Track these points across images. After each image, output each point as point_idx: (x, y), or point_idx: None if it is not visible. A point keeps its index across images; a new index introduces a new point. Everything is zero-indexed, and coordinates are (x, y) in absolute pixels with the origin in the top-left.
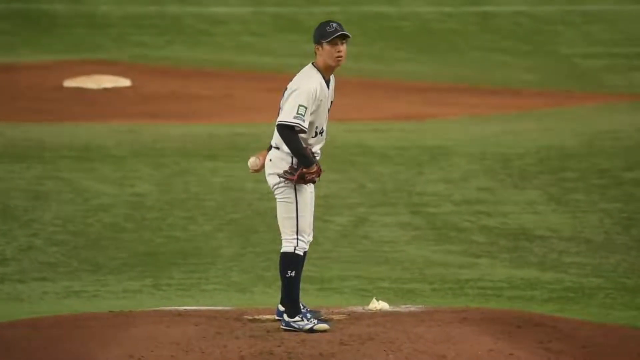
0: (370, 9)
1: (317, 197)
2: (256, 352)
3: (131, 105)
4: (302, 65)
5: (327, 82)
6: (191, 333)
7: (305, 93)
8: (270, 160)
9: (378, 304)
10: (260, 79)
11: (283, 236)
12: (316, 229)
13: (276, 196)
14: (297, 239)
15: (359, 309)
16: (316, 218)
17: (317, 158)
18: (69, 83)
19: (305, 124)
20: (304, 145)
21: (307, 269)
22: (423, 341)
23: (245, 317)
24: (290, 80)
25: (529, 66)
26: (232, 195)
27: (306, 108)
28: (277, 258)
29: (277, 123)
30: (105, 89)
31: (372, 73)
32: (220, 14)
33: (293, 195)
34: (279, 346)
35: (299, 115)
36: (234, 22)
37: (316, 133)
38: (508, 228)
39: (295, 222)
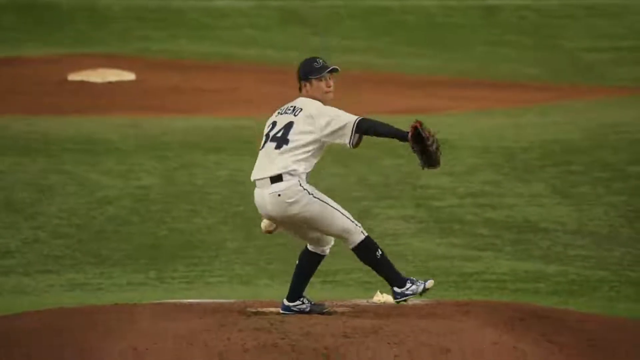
0: (374, 3)
1: (321, 190)
2: (260, 345)
3: (135, 98)
4: (305, 57)
5: None
6: (195, 326)
7: (326, 109)
8: (279, 195)
9: (382, 297)
10: (264, 72)
11: (345, 236)
12: None
13: (306, 215)
14: (355, 224)
15: (363, 301)
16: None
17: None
18: (73, 77)
19: (356, 115)
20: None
21: None
22: (427, 334)
23: (249, 309)
24: (282, 113)
25: (534, 60)
26: (236, 189)
27: (340, 113)
28: (280, 251)
29: (350, 141)
30: (110, 83)
31: (377, 67)
32: (223, 8)
33: (317, 200)
34: (282, 339)
35: (342, 117)
36: (238, 15)
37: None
38: (512, 221)
39: (340, 215)
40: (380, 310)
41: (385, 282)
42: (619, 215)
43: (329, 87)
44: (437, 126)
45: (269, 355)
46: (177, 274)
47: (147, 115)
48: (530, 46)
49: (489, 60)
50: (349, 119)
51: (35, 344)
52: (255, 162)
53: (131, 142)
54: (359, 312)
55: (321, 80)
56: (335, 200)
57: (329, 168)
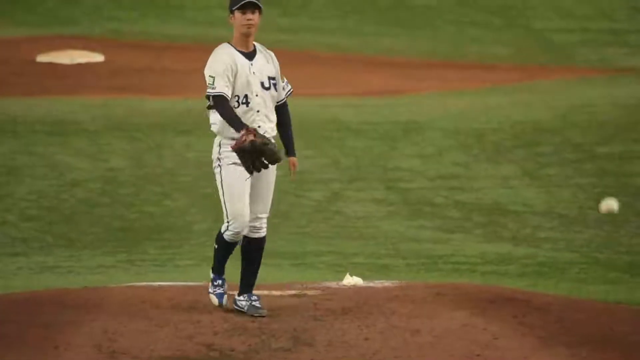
0: None
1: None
2: (229, 328)
3: (105, 79)
4: (276, 41)
5: (247, 54)
6: (165, 308)
7: (210, 63)
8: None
9: (352, 280)
10: None
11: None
12: (289, 205)
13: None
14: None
15: (333, 284)
16: (287, 193)
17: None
18: (41, 58)
19: (220, 90)
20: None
21: (280, 244)
22: (397, 316)
23: None
24: None
25: (503, 40)
26: (206, 170)
27: (214, 77)
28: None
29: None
30: (79, 64)
31: (346, 47)
32: None
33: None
34: (252, 322)
35: (209, 85)
36: None
37: (238, 103)
38: (482, 203)
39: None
40: (351, 293)
41: (354, 265)
42: (588, 197)
43: (248, 20)
44: (407, 107)
45: (239, 338)
46: (147, 256)
47: (116, 96)
48: (500, 27)
49: (459, 41)
50: (207, 91)
51: (4, 326)
52: None
53: (100, 124)
54: (329, 294)
55: (242, 12)
56: (305, 182)
57: (300, 150)
